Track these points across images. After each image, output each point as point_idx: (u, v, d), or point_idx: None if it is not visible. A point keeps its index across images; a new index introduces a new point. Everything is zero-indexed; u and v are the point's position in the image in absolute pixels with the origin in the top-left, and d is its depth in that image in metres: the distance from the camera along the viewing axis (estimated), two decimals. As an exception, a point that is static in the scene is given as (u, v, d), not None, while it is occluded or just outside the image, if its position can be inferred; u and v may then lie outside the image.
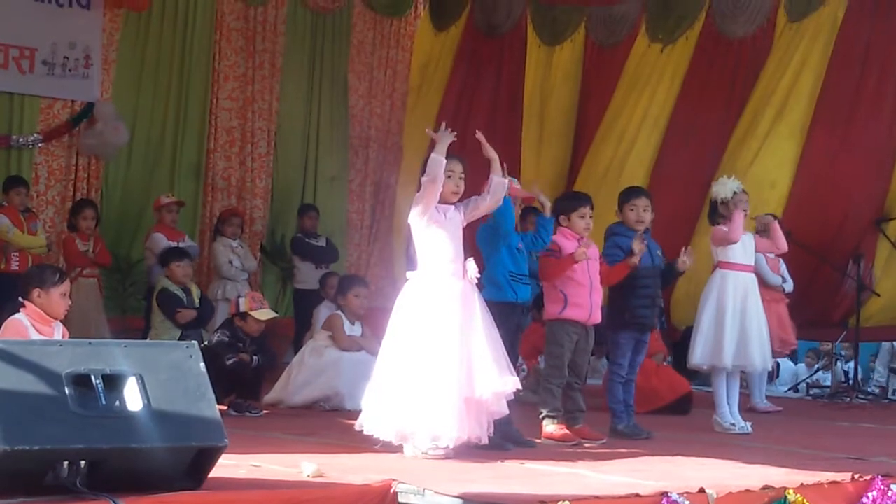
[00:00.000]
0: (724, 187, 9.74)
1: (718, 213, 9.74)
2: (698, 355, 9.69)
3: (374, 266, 15.60)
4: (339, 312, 10.49)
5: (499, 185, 7.56)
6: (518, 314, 8.12)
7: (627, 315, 8.92)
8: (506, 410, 7.43)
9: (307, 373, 10.22)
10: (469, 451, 7.17)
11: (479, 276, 7.44)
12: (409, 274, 7.55)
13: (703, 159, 13.82)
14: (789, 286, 11.94)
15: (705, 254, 10.13)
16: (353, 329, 10.44)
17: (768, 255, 11.26)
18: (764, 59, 13.88)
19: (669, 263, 9.20)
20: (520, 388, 7.46)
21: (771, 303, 10.75)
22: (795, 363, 17.92)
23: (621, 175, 14.23)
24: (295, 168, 15.23)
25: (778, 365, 16.72)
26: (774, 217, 11.05)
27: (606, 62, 14.95)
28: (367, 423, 7.27)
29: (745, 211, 9.73)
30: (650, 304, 9.03)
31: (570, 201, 8.76)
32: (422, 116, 15.90)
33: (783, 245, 10.73)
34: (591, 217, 8.60)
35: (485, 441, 7.26)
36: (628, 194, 9.15)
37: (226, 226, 13.16)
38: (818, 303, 13.42)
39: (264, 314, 9.94)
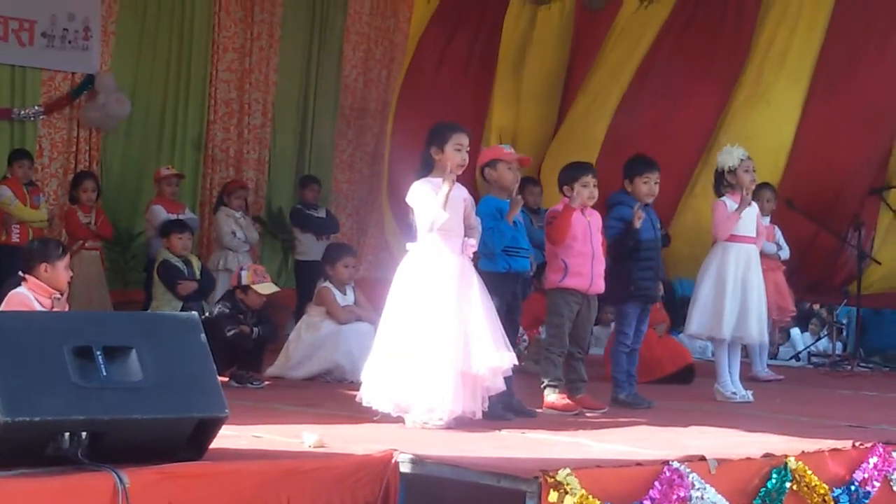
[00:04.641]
0: (730, 156, 9.62)
1: (725, 182, 9.67)
2: (695, 325, 9.70)
3: (372, 237, 15.57)
4: (327, 285, 10.35)
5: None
6: (513, 283, 8.06)
7: (633, 287, 8.91)
8: (502, 386, 7.44)
9: (305, 348, 10.17)
10: (470, 422, 7.19)
11: (475, 251, 7.48)
12: (408, 245, 7.55)
13: (695, 118, 13.70)
14: (785, 253, 11.91)
15: (700, 215, 10.05)
16: (345, 298, 10.34)
17: (762, 222, 11.20)
18: (753, 17, 13.73)
19: (666, 233, 9.19)
20: (516, 363, 7.48)
21: (767, 271, 10.71)
22: (802, 331, 17.90)
23: (586, 126, 14.13)
24: (291, 139, 15.20)
25: (788, 334, 16.72)
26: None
27: (595, 25, 14.83)
28: (365, 395, 7.30)
29: (752, 179, 9.67)
30: (654, 277, 9.04)
31: (572, 171, 8.68)
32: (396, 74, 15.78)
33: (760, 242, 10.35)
34: (595, 186, 8.55)
35: (479, 416, 7.28)
36: (642, 167, 9.06)
37: (232, 198, 13.14)
38: (817, 269, 13.42)
39: (266, 288, 9.92)
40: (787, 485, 6.21)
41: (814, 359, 14.70)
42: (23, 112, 13.20)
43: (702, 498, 5.83)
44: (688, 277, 12.58)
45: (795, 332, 17.57)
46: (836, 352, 14.67)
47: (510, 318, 7.91)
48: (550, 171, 12.82)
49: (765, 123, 13.27)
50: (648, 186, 8.97)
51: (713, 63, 13.71)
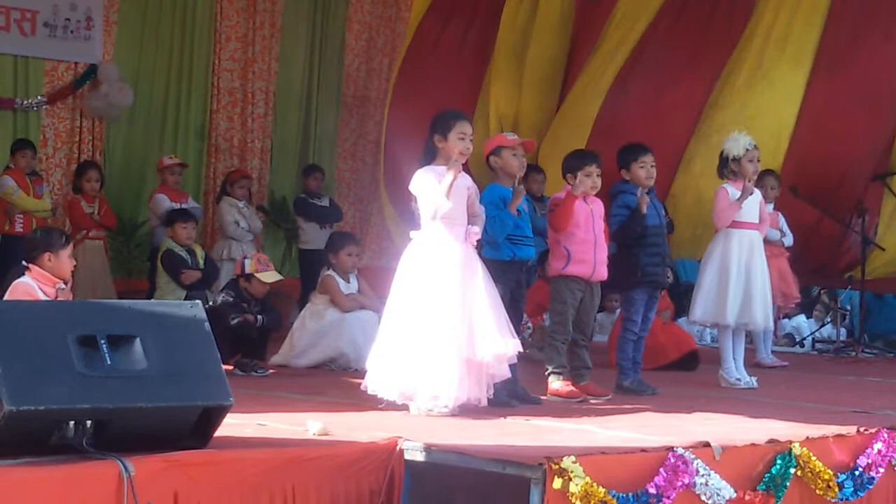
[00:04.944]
0: (737, 144, 9.61)
1: (729, 168, 9.66)
2: (700, 311, 9.69)
3: (375, 225, 15.56)
4: (331, 273, 10.33)
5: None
6: (517, 271, 8.05)
7: (640, 273, 8.90)
8: (507, 373, 7.45)
9: (309, 336, 10.17)
10: (475, 409, 7.19)
11: (478, 239, 7.49)
12: (412, 234, 7.55)
13: (685, 102, 13.63)
14: (789, 240, 11.89)
15: (701, 196, 10.00)
16: (348, 286, 10.32)
17: (766, 209, 11.16)
18: (747, 4, 13.60)
19: (670, 220, 9.18)
20: (521, 350, 7.48)
21: (771, 258, 10.70)
22: (807, 317, 17.89)
23: (582, 107, 14.08)
24: (294, 128, 15.20)
25: (793, 339, 16.70)
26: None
27: (597, 13, 14.77)
28: (371, 383, 7.31)
29: (755, 169, 9.66)
30: (661, 262, 9.04)
31: (576, 160, 8.67)
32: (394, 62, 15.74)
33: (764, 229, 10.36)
34: (598, 175, 8.54)
35: (484, 403, 7.29)
36: (635, 152, 9.05)
37: (235, 187, 13.13)
38: (821, 256, 13.40)
39: (270, 276, 9.92)
40: (792, 471, 6.21)
41: (818, 345, 14.69)
42: (26, 102, 13.21)
43: (706, 484, 5.83)
44: (690, 258, 12.58)
45: (800, 319, 17.57)
46: (841, 338, 14.67)
47: (514, 306, 7.90)
48: (548, 154, 12.84)
49: (765, 103, 13.18)
50: (646, 170, 8.96)
51: (705, 49, 13.65)
